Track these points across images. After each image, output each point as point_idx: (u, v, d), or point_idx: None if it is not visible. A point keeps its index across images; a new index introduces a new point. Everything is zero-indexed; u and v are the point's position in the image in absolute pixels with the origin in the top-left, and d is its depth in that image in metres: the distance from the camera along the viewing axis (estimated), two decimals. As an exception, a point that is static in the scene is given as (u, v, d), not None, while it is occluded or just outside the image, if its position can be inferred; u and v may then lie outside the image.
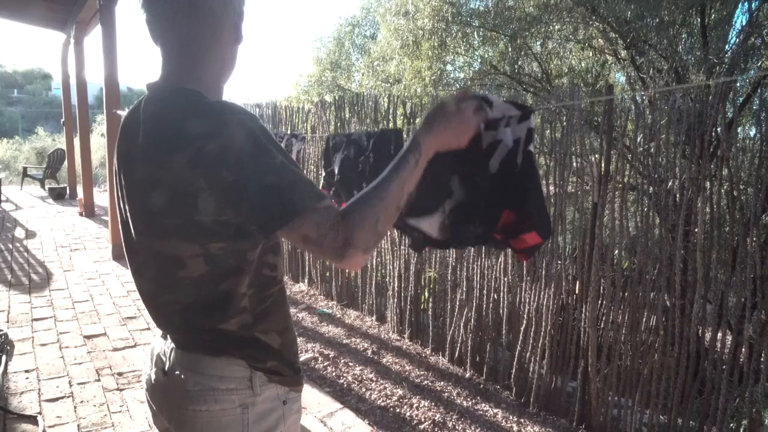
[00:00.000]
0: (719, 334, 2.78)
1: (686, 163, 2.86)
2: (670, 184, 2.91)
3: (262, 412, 1.07)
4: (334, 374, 3.57)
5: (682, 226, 2.77)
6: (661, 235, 2.87)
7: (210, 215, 0.93)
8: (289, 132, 5.11)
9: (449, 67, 8.42)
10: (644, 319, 2.95)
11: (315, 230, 0.91)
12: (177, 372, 1.06)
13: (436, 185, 1.32)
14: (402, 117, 4.29)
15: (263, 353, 1.07)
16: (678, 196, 2.87)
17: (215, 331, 1.03)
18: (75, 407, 2.90)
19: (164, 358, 1.10)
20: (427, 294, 4.27)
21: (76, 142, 10.79)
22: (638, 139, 3.12)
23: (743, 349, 2.78)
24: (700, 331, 2.82)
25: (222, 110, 0.93)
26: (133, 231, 1.06)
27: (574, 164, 3.29)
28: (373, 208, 0.95)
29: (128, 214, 1.06)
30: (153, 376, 1.12)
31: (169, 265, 1.00)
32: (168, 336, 1.11)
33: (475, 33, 7.77)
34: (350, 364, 3.74)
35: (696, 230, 2.71)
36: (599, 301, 3.07)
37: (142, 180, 0.99)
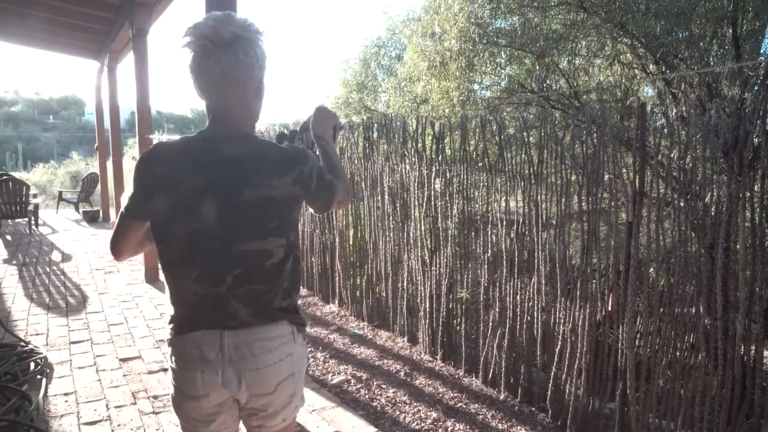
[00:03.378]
0: (766, 353, 2.69)
1: (723, 179, 2.80)
2: (707, 199, 2.85)
3: (299, 353, 1.50)
4: (367, 397, 3.55)
5: (722, 243, 2.70)
6: (699, 252, 2.81)
7: (297, 213, 1.48)
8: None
9: (476, 87, 8.42)
10: (684, 339, 2.87)
11: (342, 195, 1.62)
12: (239, 347, 1.39)
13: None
14: (431, 137, 4.29)
15: (297, 313, 1.50)
16: (714, 211, 2.81)
17: (272, 303, 1.42)
18: (113, 430, 2.93)
19: (216, 347, 1.39)
20: (458, 313, 4.23)
21: (109, 165, 11.07)
22: (673, 155, 3.06)
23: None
24: (743, 350, 2.73)
25: (302, 149, 1.49)
26: (218, 241, 1.36)
27: (606, 177, 3.23)
28: (341, 171, 1.69)
29: (218, 229, 1.36)
30: (211, 360, 1.39)
31: (258, 258, 1.39)
32: (215, 327, 1.40)
33: (502, 52, 7.77)
34: (383, 386, 3.71)
35: (738, 247, 2.63)
36: (636, 321, 3.00)
37: (249, 199, 1.35)
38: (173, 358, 1.48)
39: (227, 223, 1.35)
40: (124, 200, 1.42)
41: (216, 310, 1.39)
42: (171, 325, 1.47)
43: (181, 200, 1.35)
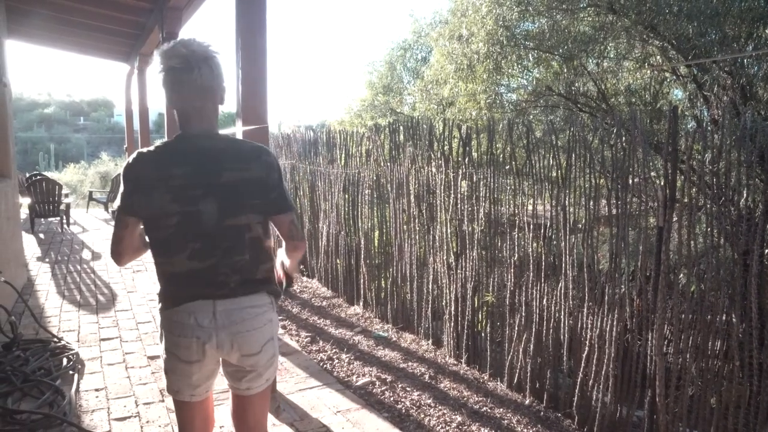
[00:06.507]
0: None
1: (759, 184, 2.74)
2: (741, 204, 2.79)
3: (275, 320, 1.81)
4: (391, 399, 3.55)
5: (757, 249, 2.64)
6: (733, 259, 2.75)
7: (268, 197, 1.68)
8: None
9: (503, 89, 8.36)
10: (716, 347, 2.81)
11: (296, 220, 1.78)
12: (230, 313, 1.66)
13: None
14: (457, 140, 4.28)
15: (273, 285, 1.79)
16: (748, 217, 2.75)
17: (254, 276, 1.70)
18: (142, 427, 2.98)
19: (210, 314, 1.64)
20: (481, 316, 4.21)
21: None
22: (705, 159, 3.00)
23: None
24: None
25: (263, 145, 1.75)
26: (209, 218, 1.61)
27: (635, 181, 3.19)
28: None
29: (208, 208, 1.61)
30: (205, 326, 1.64)
31: (241, 232, 1.65)
32: (208, 297, 1.65)
33: (530, 55, 7.71)
34: (408, 389, 3.71)
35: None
36: (665, 327, 2.95)
37: (230, 180, 1.62)
38: (168, 327, 1.70)
39: (213, 203, 1.61)
40: (117, 202, 1.65)
41: (209, 281, 1.65)
42: (163, 300, 1.71)
43: (171, 190, 1.59)
